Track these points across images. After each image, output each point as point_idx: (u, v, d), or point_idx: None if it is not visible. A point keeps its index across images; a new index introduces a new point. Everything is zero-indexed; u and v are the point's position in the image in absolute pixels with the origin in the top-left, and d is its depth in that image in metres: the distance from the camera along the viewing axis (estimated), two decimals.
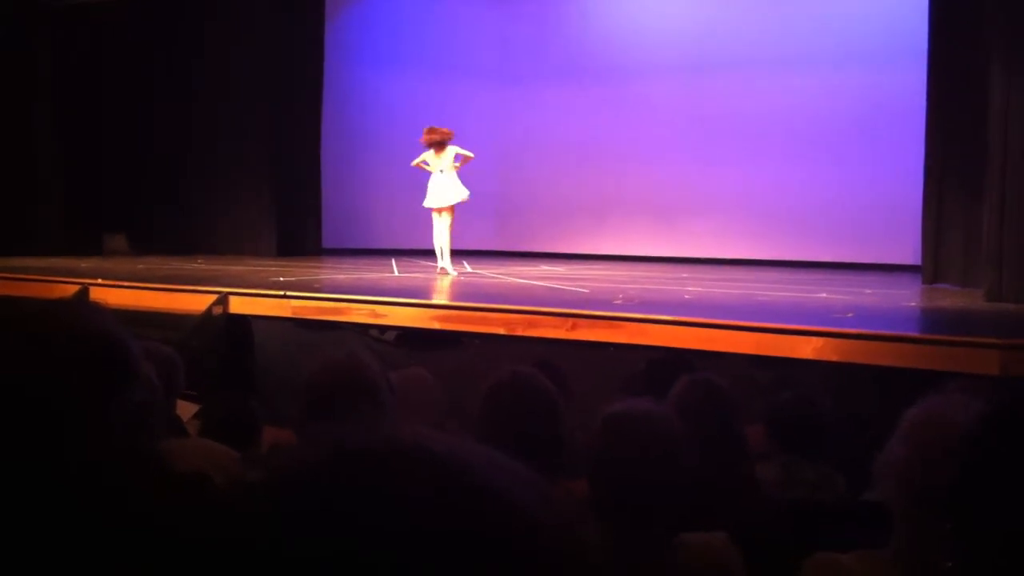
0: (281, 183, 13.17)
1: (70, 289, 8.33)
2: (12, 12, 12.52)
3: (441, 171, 10.18)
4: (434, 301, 7.15)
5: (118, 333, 1.61)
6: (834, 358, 5.59)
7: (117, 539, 1.44)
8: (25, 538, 1.42)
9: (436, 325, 6.95)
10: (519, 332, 6.55)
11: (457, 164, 10.20)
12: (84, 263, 10.54)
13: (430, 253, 13.80)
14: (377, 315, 7.23)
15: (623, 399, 2.40)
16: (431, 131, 10.26)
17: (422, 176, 14.90)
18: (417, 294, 7.70)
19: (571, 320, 6.41)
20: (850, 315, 6.66)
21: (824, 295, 8.27)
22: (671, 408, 2.56)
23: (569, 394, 3.73)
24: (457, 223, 15.15)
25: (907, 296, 8.56)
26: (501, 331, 6.63)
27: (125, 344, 1.61)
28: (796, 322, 6.04)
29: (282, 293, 7.72)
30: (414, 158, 15.01)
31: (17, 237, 12.13)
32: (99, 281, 8.45)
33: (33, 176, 12.87)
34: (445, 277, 10.12)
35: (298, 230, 13.41)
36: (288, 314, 7.57)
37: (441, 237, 10.38)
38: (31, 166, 12.85)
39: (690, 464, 2.29)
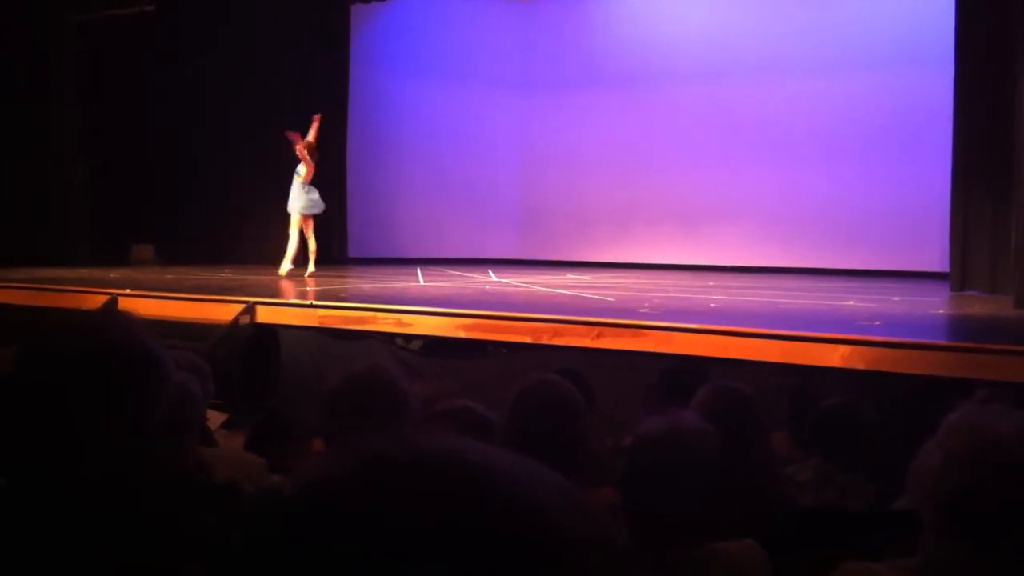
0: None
1: (99, 300, 8.40)
2: (38, 26, 12.68)
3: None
4: (460, 310, 7.16)
5: (150, 344, 1.63)
6: (861, 366, 5.55)
7: (147, 546, 1.46)
8: (52, 545, 1.43)
9: (462, 334, 6.95)
10: (545, 341, 6.55)
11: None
12: (113, 273, 10.63)
13: (455, 262, 13.87)
14: (403, 324, 7.24)
15: (659, 411, 2.40)
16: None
17: (448, 186, 14.99)
18: (443, 303, 7.72)
19: (597, 329, 6.40)
20: (878, 323, 6.61)
21: (852, 303, 8.22)
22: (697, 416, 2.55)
23: (592, 402, 3.73)
24: (480, 231, 15.25)
25: (935, 303, 8.49)
26: (527, 340, 6.63)
27: (157, 355, 1.63)
28: (823, 330, 6.00)
29: (309, 303, 7.76)
30: (439, 168, 14.96)
31: (46, 248, 12.26)
32: (128, 291, 8.52)
33: (61, 188, 13.02)
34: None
35: (324, 239, 13.45)
36: (315, 324, 7.61)
37: (311, 241, 10.58)
38: (59, 178, 12.99)
39: (720, 473, 2.29)
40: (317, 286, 9.54)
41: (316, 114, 10.74)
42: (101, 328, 1.66)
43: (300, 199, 10.46)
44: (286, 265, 10.48)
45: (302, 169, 10.49)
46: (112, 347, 1.58)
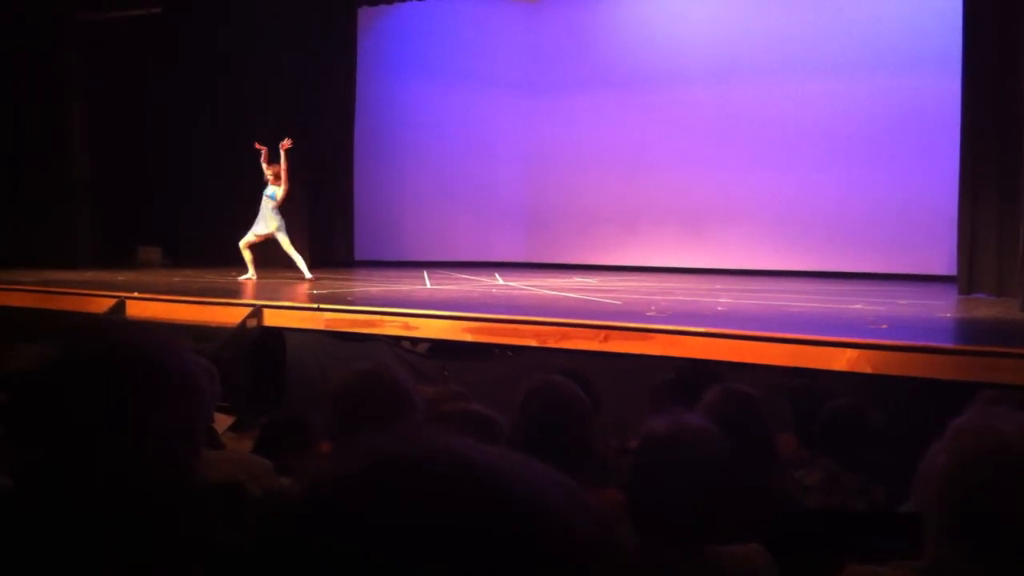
0: (313, 196, 13.27)
1: (107, 302, 8.42)
2: (44, 27, 12.71)
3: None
4: (466, 313, 7.16)
5: (169, 350, 1.63)
6: (868, 370, 5.54)
7: (149, 547, 1.46)
8: (58, 547, 1.44)
9: (468, 337, 6.96)
10: (551, 344, 6.55)
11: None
12: (120, 276, 10.66)
13: (461, 265, 13.88)
14: (409, 327, 7.25)
15: (664, 413, 2.40)
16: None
17: (454, 188, 15.00)
18: (449, 306, 7.72)
19: (603, 332, 6.40)
20: (884, 326, 6.60)
21: (858, 306, 8.21)
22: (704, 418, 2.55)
23: (598, 404, 3.73)
24: (486, 234, 15.26)
25: (942, 307, 8.48)
26: (533, 343, 6.63)
27: (179, 359, 1.63)
28: (830, 334, 5.99)
29: (315, 306, 7.77)
30: (445, 171, 14.96)
31: (53, 250, 12.29)
32: (135, 294, 8.54)
33: (68, 190, 13.05)
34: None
35: (330, 242, 13.50)
36: (321, 326, 7.62)
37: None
38: (66, 180, 13.02)
39: (726, 475, 2.28)
40: (323, 289, 9.55)
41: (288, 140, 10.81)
42: (120, 332, 1.66)
43: (276, 219, 10.69)
44: (305, 270, 10.64)
45: (278, 193, 10.58)
46: (131, 352, 1.58)
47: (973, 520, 1.62)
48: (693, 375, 4.86)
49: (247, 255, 10.85)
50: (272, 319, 7.87)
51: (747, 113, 13.68)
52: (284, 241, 10.75)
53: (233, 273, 11.15)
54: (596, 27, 14.91)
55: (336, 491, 0.66)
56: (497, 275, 12.32)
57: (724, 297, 9.12)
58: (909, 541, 1.92)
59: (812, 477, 3.69)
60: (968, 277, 9.53)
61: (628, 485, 2.30)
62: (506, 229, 15.42)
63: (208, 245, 13.24)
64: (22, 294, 9.10)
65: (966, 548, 1.62)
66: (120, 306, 8.33)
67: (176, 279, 10.51)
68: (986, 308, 8.26)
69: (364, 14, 13.93)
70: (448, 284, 10.71)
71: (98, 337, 1.65)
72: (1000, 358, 5.27)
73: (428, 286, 10.40)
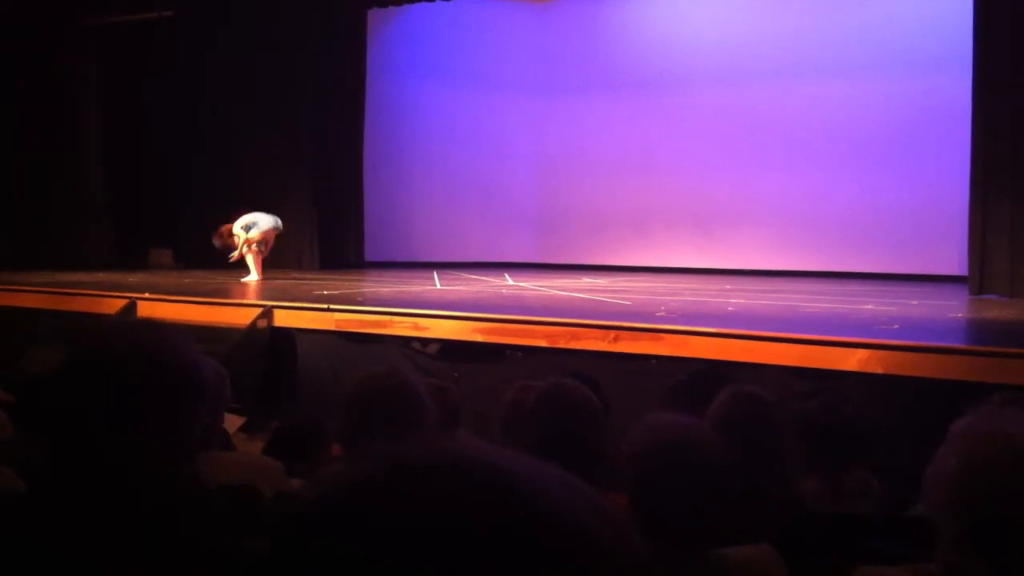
0: (324, 197, 13.29)
1: (118, 303, 8.45)
2: (57, 31, 12.77)
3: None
4: (476, 314, 7.16)
5: (190, 352, 1.64)
6: (879, 370, 5.53)
7: (151, 547, 1.47)
8: (72, 550, 1.44)
9: (478, 337, 6.96)
10: (561, 344, 6.55)
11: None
12: (131, 277, 10.69)
13: (472, 266, 13.89)
14: (419, 328, 7.26)
15: (665, 415, 2.40)
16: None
17: (464, 190, 15.01)
18: (459, 307, 7.72)
19: (613, 332, 6.39)
20: (896, 327, 6.58)
21: (869, 306, 8.18)
22: (713, 421, 2.55)
23: (608, 406, 3.73)
24: (497, 235, 15.25)
25: (954, 307, 8.44)
26: (543, 343, 6.63)
27: (196, 363, 1.63)
28: (841, 334, 5.98)
29: (326, 306, 7.78)
30: (455, 172, 14.93)
31: (66, 252, 12.34)
32: (146, 295, 8.56)
33: (80, 192, 13.10)
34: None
35: (340, 243, 13.51)
36: (332, 327, 7.63)
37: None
38: (78, 183, 13.07)
39: (732, 478, 2.28)
40: (334, 290, 9.56)
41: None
42: (126, 333, 1.67)
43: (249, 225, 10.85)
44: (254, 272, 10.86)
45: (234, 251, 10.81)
46: (135, 352, 1.59)
47: (983, 523, 1.62)
48: (703, 378, 4.86)
49: (249, 258, 10.86)
50: (282, 320, 7.88)
51: (758, 115, 13.65)
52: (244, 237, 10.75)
53: (244, 274, 11.18)
54: (606, 29, 14.89)
55: (347, 494, 0.66)
56: (507, 276, 12.32)
57: (734, 298, 9.10)
58: (919, 544, 1.92)
59: (821, 479, 3.68)
60: (979, 278, 9.49)
61: (631, 489, 2.31)
62: (516, 230, 15.42)
63: (210, 246, 13.27)
64: (34, 295, 9.14)
65: (976, 551, 1.62)
66: (131, 307, 8.36)
67: (187, 280, 10.55)
68: (997, 309, 8.23)
69: (374, 16, 13.94)
70: (458, 285, 10.71)
71: (103, 338, 1.66)
72: (1011, 359, 5.25)
73: (438, 287, 10.40)
